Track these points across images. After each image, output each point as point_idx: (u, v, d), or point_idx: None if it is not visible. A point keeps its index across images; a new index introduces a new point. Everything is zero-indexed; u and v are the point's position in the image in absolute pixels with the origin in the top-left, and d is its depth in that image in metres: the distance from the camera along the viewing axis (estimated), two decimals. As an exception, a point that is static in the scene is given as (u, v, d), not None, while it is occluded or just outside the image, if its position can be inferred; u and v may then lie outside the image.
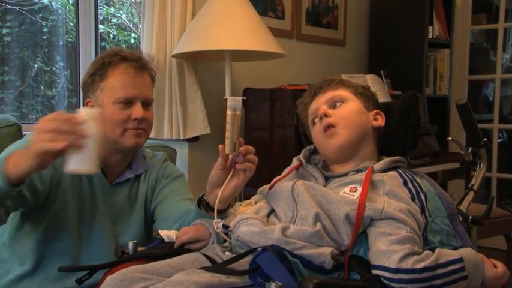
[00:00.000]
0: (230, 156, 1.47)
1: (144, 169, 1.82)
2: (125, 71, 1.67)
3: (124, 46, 3.54)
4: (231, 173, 1.48)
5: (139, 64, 1.70)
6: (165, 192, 1.82)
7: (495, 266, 1.37)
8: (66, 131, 1.22)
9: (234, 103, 1.43)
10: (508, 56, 4.78)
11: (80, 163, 1.28)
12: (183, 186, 1.88)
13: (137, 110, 1.66)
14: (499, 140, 4.52)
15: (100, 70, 1.68)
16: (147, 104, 1.71)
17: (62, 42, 3.14)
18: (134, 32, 3.54)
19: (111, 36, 3.47)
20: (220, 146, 1.45)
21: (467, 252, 1.34)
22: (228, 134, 1.42)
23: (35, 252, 1.67)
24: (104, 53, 1.78)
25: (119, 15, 3.53)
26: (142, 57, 1.74)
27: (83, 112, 1.29)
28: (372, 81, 3.14)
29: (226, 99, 1.46)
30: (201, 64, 2.87)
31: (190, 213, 1.63)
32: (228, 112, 1.43)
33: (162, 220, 1.76)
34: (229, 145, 1.42)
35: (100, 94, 1.68)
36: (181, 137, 2.69)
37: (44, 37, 3.07)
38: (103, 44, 3.29)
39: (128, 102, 1.67)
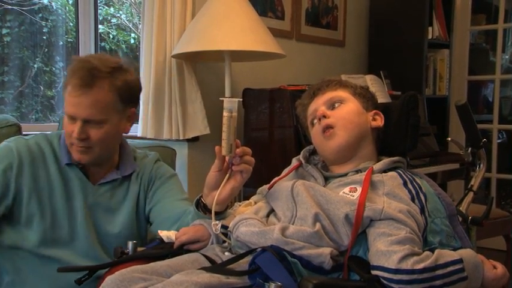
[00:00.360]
0: (227, 158, 1.47)
1: (131, 170, 1.79)
2: (71, 87, 1.61)
3: (124, 47, 3.54)
4: (227, 175, 1.48)
5: (84, 82, 1.59)
6: (159, 194, 1.80)
7: (495, 267, 1.37)
8: None
9: (230, 104, 1.43)
10: (507, 57, 4.79)
11: None
12: (177, 186, 1.86)
13: (75, 130, 1.61)
14: (499, 141, 4.52)
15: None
16: (91, 122, 1.62)
17: (61, 43, 3.14)
18: (134, 32, 3.54)
19: (111, 36, 3.47)
20: (217, 147, 1.45)
21: (466, 253, 1.34)
22: (224, 135, 1.42)
23: (15, 259, 1.65)
24: (76, 56, 1.75)
25: (118, 15, 3.52)
26: (97, 69, 1.61)
27: None
28: (371, 82, 3.14)
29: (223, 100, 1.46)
30: (201, 64, 2.87)
31: (188, 214, 1.63)
32: (224, 114, 1.43)
33: (160, 222, 1.74)
34: (225, 146, 1.43)
35: None
36: (181, 137, 2.69)
37: (44, 37, 3.07)
38: (103, 44, 3.29)
39: (72, 118, 1.62)
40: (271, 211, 1.50)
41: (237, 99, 1.45)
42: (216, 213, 1.49)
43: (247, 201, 1.63)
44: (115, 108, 1.66)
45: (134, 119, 1.77)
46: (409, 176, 1.46)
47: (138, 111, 2.69)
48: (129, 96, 1.69)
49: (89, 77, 1.59)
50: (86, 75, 1.59)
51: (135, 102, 1.76)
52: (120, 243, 1.67)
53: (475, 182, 1.84)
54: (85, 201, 1.70)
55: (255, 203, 1.60)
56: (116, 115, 1.67)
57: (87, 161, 1.68)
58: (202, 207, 1.56)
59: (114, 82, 1.63)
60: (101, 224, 1.72)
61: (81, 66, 1.61)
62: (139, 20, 3.14)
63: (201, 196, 1.57)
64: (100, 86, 1.60)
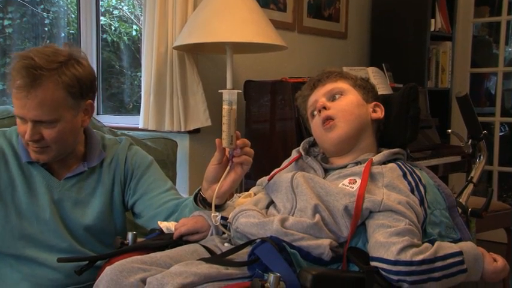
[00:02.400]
0: (227, 150, 1.47)
1: (99, 160, 1.71)
2: (14, 88, 1.51)
3: (125, 38, 3.54)
4: (228, 167, 1.48)
5: (27, 82, 1.48)
6: (143, 186, 1.74)
7: (495, 260, 1.37)
8: None
9: (229, 96, 1.43)
10: (510, 49, 4.76)
11: None
12: (158, 174, 1.80)
13: (27, 131, 1.53)
14: (501, 134, 4.51)
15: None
16: (42, 122, 1.53)
17: (63, 34, 3.15)
18: (135, 24, 3.54)
19: (113, 28, 3.47)
20: (217, 140, 1.45)
21: (467, 246, 1.34)
22: (224, 127, 1.42)
23: None
24: (17, 53, 1.59)
25: (120, 7, 3.52)
26: (40, 68, 1.49)
27: None
28: (373, 74, 3.13)
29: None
30: (202, 56, 2.87)
31: (186, 207, 1.62)
32: (224, 106, 1.43)
33: (151, 217, 1.69)
34: (226, 138, 1.43)
35: None
36: (182, 129, 2.70)
37: (46, 29, 3.08)
38: (104, 36, 3.30)
39: (22, 119, 1.54)
40: (271, 202, 1.50)
41: (236, 91, 1.45)
42: (216, 206, 1.49)
43: (246, 193, 1.64)
44: (66, 105, 1.56)
45: (92, 111, 1.68)
46: (408, 167, 1.46)
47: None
48: (81, 90, 1.58)
49: (32, 76, 1.48)
50: (29, 75, 1.48)
51: (90, 93, 1.64)
52: (94, 235, 1.67)
53: (475, 174, 1.84)
54: (51, 197, 1.64)
55: (255, 194, 1.60)
56: (68, 111, 1.57)
57: (46, 160, 1.62)
58: (201, 201, 1.56)
59: (61, 79, 1.52)
60: (71, 219, 1.66)
61: (23, 65, 1.49)
62: (141, 12, 3.14)
63: (200, 190, 1.57)
64: (45, 86, 1.50)
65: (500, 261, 1.37)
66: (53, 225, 1.63)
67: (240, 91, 1.50)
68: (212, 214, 1.46)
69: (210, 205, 1.49)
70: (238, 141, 1.45)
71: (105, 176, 1.72)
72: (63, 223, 1.65)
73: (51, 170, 1.67)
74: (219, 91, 1.48)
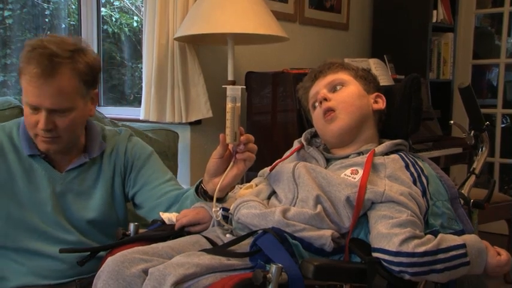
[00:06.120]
0: (230, 146, 1.46)
1: (100, 151, 1.70)
2: (30, 76, 1.48)
3: (126, 29, 3.53)
4: (231, 163, 1.48)
5: (44, 70, 1.46)
6: (143, 177, 1.74)
7: (499, 254, 1.36)
8: None
9: (233, 92, 1.42)
10: (512, 41, 4.75)
11: None
12: (158, 164, 1.79)
13: (41, 120, 1.51)
14: (503, 125, 4.50)
15: (20, 63, 1.52)
16: (57, 111, 1.52)
17: (63, 25, 3.14)
18: (137, 15, 3.53)
19: (114, 19, 3.46)
20: (221, 135, 1.44)
21: (470, 239, 1.34)
22: (228, 123, 1.41)
23: None
24: (29, 41, 1.56)
25: (121, -2, 3.51)
26: (57, 55, 1.48)
27: None
28: (375, 66, 3.13)
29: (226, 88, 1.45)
30: (204, 47, 2.86)
31: (187, 199, 1.61)
32: (228, 104, 1.42)
33: (152, 208, 1.69)
34: (229, 135, 1.42)
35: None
36: (184, 121, 2.69)
37: (46, 20, 3.07)
38: (105, 27, 3.29)
39: (35, 109, 1.51)
40: (273, 193, 1.50)
41: (240, 87, 1.44)
42: (217, 200, 1.49)
43: (248, 184, 1.63)
44: (79, 94, 1.56)
45: (97, 100, 1.69)
46: (411, 158, 1.46)
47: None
48: (92, 78, 1.59)
49: (49, 64, 1.47)
50: (46, 63, 1.47)
51: (97, 83, 1.64)
52: (97, 226, 1.66)
53: (478, 165, 1.83)
54: (53, 190, 1.63)
55: (256, 185, 1.60)
56: (81, 100, 1.57)
57: (56, 150, 1.60)
58: (203, 193, 1.56)
59: (75, 66, 1.52)
60: (73, 211, 1.65)
61: (39, 53, 1.47)
62: (142, 3, 3.13)
63: (201, 182, 1.57)
64: (62, 73, 1.49)
65: (504, 255, 1.37)
66: (54, 218, 1.62)
67: (244, 86, 1.48)
68: (213, 209, 1.45)
69: (211, 198, 1.49)
70: (242, 137, 1.44)
71: (106, 167, 1.71)
72: (64, 215, 1.64)
73: (52, 163, 1.65)
74: (223, 86, 1.47)
